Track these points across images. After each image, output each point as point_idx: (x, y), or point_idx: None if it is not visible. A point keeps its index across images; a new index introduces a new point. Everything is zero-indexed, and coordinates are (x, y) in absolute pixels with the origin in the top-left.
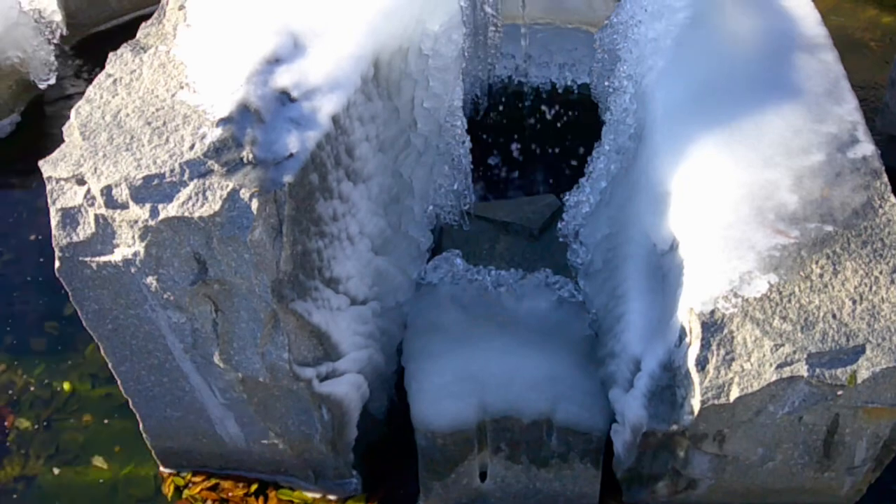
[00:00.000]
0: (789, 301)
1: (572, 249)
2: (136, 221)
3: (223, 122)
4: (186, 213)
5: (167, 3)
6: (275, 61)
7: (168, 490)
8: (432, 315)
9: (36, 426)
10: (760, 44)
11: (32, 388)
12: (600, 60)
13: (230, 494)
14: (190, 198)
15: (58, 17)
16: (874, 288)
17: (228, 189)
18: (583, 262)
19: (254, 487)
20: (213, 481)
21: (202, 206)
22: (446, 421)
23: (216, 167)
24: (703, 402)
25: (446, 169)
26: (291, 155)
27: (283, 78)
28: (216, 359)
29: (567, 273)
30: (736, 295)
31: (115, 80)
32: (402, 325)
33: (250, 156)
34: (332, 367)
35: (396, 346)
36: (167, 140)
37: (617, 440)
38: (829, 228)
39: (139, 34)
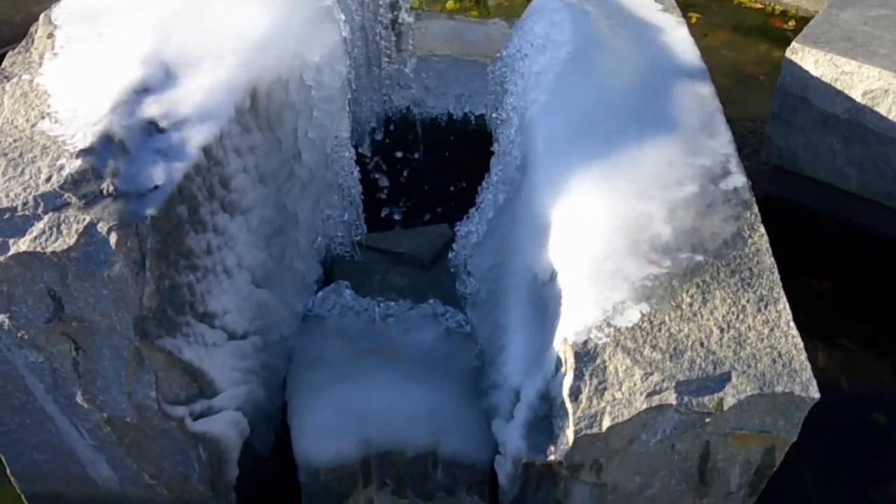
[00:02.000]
0: (660, 330)
1: (461, 280)
2: None
3: (83, 153)
4: (39, 248)
5: (35, 31)
6: (143, 91)
7: None
8: (317, 348)
9: None
10: (639, 78)
11: None
12: (492, 93)
13: None
14: (43, 232)
15: None
16: (741, 316)
17: (85, 223)
18: (470, 293)
19: None
20: None
21: (56, 240)
22: (328, 457)
23: (73, 200)
24: (576, 432)
25: (335, 199)
26: (156, 187)
27: (151, 108)
28: (79, 399)
29: (458, 304)
30: (609, 325)
31: None
32: (287, 358)
33: (111, 188)
34: (208, 404)
35: (281, 381)
36: (22, 172)
37: (500, 472)
38: (700, 258)
39: (5, 62)
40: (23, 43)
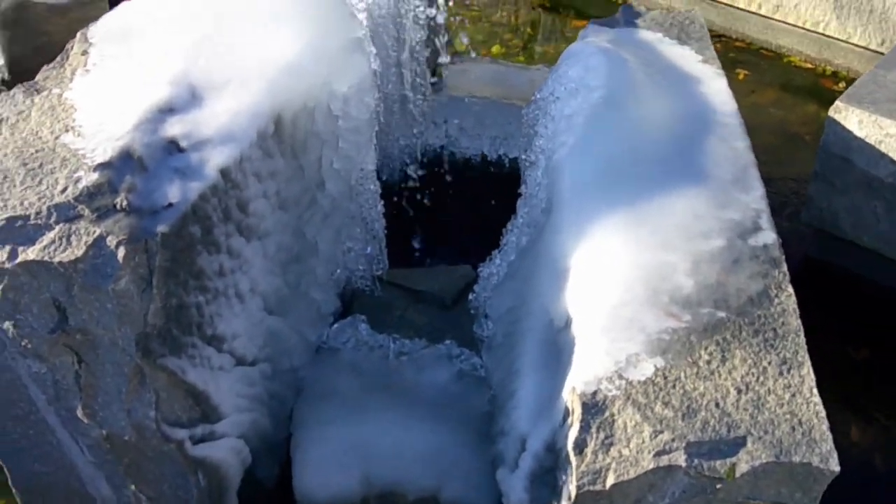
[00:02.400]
0: (674, 387)
1: (478, 322)
2: None
3: (101, 167)
4: (47, 258)
5: (71, 48)
6: (168, 111)
7: None
8: (328, 381)
9: None
10: (672, 128)
11: None
12: (525, 135)
13: None
14: (53, 242)
15: (0, 61)
16: (761, 378)
17: (95, 235)
18: (487, 336)
19: None
20: None
21: (65, 251)
22: (328, 493)
23: (86, 212)
24: (578, 488)
25: (358, 232)
26: (170, 205)
27: (174, 128)
28: (80, 413)
29: (475, 346)
30: (620, 377)
31: (1, 121)
32: (296, 389)
33: (124, 202)
34: (210, 429)
35: (288, 411)
36: (40, 182)
37: None
38: (722, 315)
39: (38, 76)
40: (58, 59)
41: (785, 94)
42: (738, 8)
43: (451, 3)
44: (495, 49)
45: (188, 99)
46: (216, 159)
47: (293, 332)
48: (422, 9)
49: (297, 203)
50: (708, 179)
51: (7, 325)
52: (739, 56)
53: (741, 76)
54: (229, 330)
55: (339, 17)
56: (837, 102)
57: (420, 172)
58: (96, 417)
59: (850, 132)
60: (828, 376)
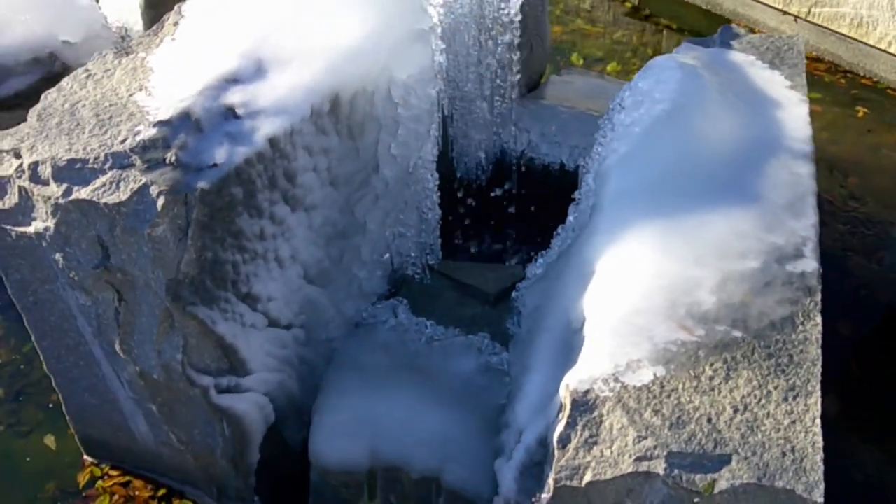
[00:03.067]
0: (668, 396)
1: (511, 318)
2: (49, 198)
3: (161, 124)
4: (95, 198)
5: (167, 18)
6: (233, 80)
7: (83, 478)
8: (358, 355)
9: (7, 396)
10: (733, 147)
11: (16, 359)
12: (593, 143)
13: (137, 494)
14: (104, 185)
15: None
16: (763, 401)
17: (141, 183)
18: (515, 331)
19: (162, 492)
20: (127, 478)
21: (112, 194)
22: (338, 459)
23: (138, 162)
24: (556, 481)
25: (411, 219)
26: (215, 165)
27: (235, 96)
28: (117, 347)
29: (509, 342)
30: (617, 380)
31: (89, 76)
32: (329, 359)
33: (173, 158)
34: (236, 381)
35: (318, 380)
36: (105, 132)
37: None
38: (738, 334)
39: (133, 41)
40: (155, 27)
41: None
42: (867, 44)
43: (577, 20)
44: (611, 66)
45: (253, 72)
46: (266, 128)
47: (331, 304)
48: (505, 11)
49: (349, 182)
50: (759, 201)
51: (58, 256)
52: (863, 93)
53: (861, 114)
54: (265, 291)
55: (407, 8)
56: None
57: (492, 173)
58: (132, 353)
59: None
60: (881, 429)
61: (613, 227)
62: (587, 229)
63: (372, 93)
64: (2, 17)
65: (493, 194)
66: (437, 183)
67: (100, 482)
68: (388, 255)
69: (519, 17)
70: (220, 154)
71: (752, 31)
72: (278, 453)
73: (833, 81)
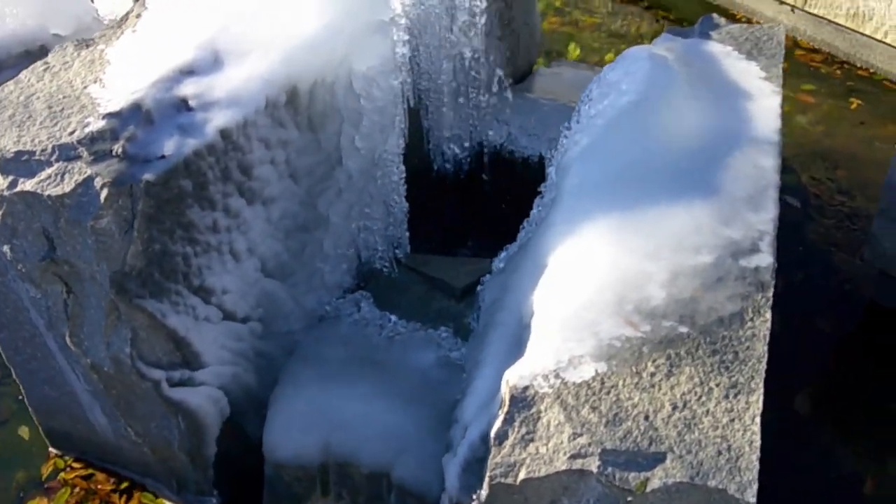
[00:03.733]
0: (608, 393)
1: (472, 312)
2: None
3: (110, 116)
4: (39, 190)
5: (132, 10)
6: (188, 72)
7: (46, 469)
8: (318, 348)
9: None
10: (697, 139)
11: None
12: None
13: (99, 487)
14: (49, 177)
15: None
16: (703, 398)
17: (85, 175)
18: (473, 326)
19: (124, 485)
20: (90, 471)
21: (56, 186)
22: (290, 452)
23: (84, 154)
24: (491, 479)
25: (378, 212)
26: (163, 157)
27: (189, 88)
28: (67, 340)
29: None
30: (557, 376)
31: (47, 68)
32: (289, 352)
33: (120, 149)
34: (189, 375)
35: (278, 373)
36: (56, 124)
37: None
38: (684, 330)
39: (96, 33)
40: (120, 18)
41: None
42: (864, 35)
43: (575, 10)
44: (608, 57)
45: (210, 63)
46: (218, 120)
47: (290, 297)
48: (476, 2)
49: (310, 174)
50: (719, 194)
51: (5, 248)
52: (858, 84)
53: (854, 105)
54: (219, 284)
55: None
56: None
57: (470, 166)
58: (82, 346)
59: None
60: (865, 426)
61: (571, 220)
62: (545, 222)
63: (332, 84)
64: None
65: (470, 187)
66: (404, 176)
67: (62, 474)
68: (352, 248)
69: (484, 6)
70: (169, 146)
71: (749, 21)
72: (238, 446)
73: (829, 73)
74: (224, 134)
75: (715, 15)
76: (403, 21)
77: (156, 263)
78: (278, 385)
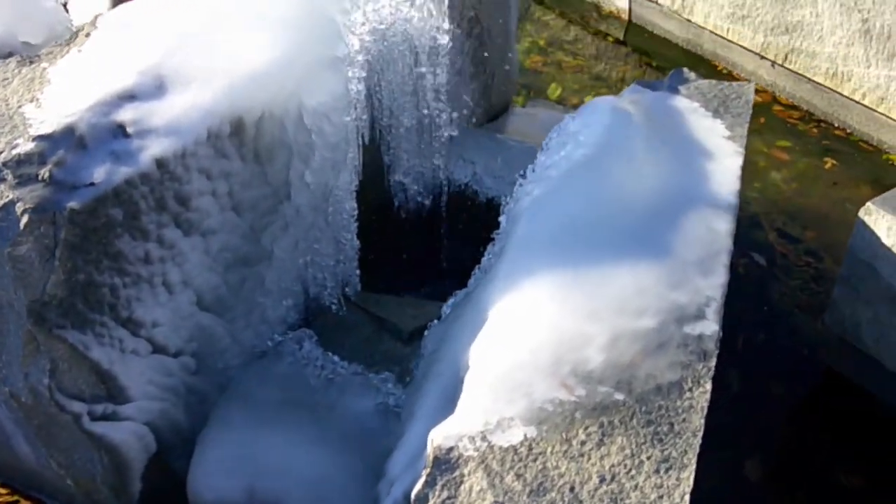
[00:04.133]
0: (535, 460)
1: (415, 360)
2: None
3: (41, 138)
4: None
5: (82, 29)
6: (129, 97)
7: None
8: (252, 386)
9: None
10: (652, 197)
11: None
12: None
13: None
14: None
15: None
16: (632, 472)
17: (6, 199)
18: (414, 374)
19: None
20: (16, 497)
21: None
22: (213, 497)
23: (9, 177)
24: None
25: (327, 249)
26: (92, 184)
27: (128, 113)
28: None
29: None
30: (484, 438)
31: None
32: (223, 389)
33: (47, 174)
34: (113, 409)
35: (209, 409)
36: None
37: None
38: (620, 397)
39: (44, 49)
40: (69, 37)
41: (870, 192)
42: (842, 95)
43: (559, 52)
44: (588, 99)
45: (153, 89)
46: (155, 149)
47: (227, 333)
48: (441, 41)
49: (255, 207)
50: (668, 256)
51: None
52: (834, 145)
53: (828, 165)
54: (149, 317)
55: (323, 33)
56: (869, 204)
57: (433, 205)
58: (0, 374)
59: (877, 238)
60: (814, 500)
61: (514, 273)
62: (490, 273)
63: (281, 118)
64: None
65: (431, 226)
66: (356, 213)
67: None
68: (298, 284)
69: (448, 46)
70: (100, 173)
71: (730, 73)
72: (166, 483)
73: (806, 130)
74: (160, 163)
75: (685, 69)
76: (360, 58)
77: (79, 293)
78: (207, 425)
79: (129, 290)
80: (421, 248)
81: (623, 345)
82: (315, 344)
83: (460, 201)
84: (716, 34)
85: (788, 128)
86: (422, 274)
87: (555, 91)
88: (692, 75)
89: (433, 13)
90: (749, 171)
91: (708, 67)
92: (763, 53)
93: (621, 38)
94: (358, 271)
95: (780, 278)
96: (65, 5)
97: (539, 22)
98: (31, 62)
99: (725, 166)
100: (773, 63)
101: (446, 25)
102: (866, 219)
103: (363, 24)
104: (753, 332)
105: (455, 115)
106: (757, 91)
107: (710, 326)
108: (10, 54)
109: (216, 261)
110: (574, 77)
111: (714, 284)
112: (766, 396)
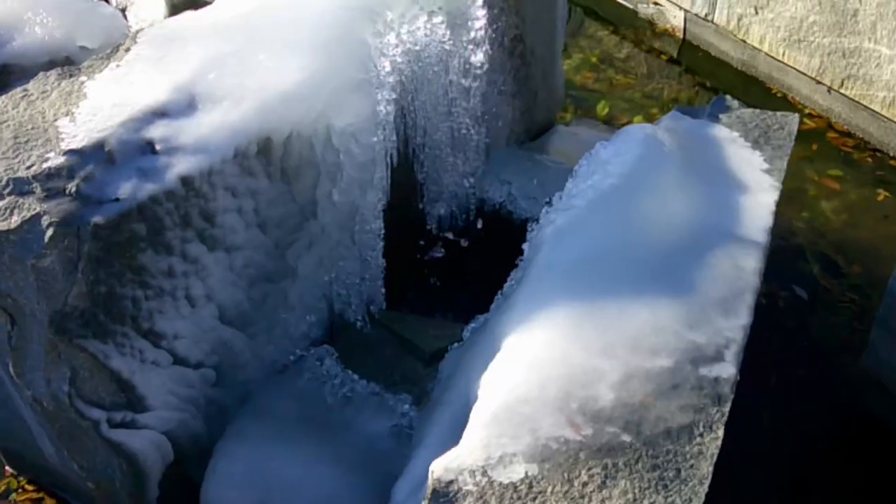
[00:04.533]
0: (534, 499)
1: (432, 383)
2: None
3: (71, 153)
4: None
5: (123, 43)
6: (160, 114)
7: (0, 488)
8: (271, 401)
9: None
10: (678, 231)
11: None
12: None
13: None
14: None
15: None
16: None
17: (34, 212)
18: (430, 398)
19: None
20: (41, 495)
21: (3, 220)
22: None
23: (38, 190)
24: None
25: (352, 267)
26: (117, 199)
27: (158, 130)
28: (11, 371)
29: None
30: (485, 473)
31: (25, 96)
32: (243, 402)
33: (74, 189)
34: (132, 417)
35: (228, 421)
36: (17, 155)
37: None
38: (627, 438)
39: (85, 62)
40: (109, 51)
41: None
42: None
43: (610, 69)
44: (636, 119)
45: (184, 107)
46: (181, 166)
47: (248, 347)
48: (476, 61)
49: (281, 225)
50: (690, 294)
51: None
52: (889, 175)
53: (881, 196)
54: (171, 329)
55: (353, 56)
56: None
57: (467, 225)
58: (24, 378)
59: None
60: None
61: (531, 303)
62: (507, 302)
63: (309, 137)
64: (22, 19)
65: (463, 246)
66: (383, 232)
67: (14, 495)
68: (323, 300)
69: (485, 67)
70: (126, 189)
71: (784, 97)
72: (182, 490)
73: (860, 159)
74: (185, 181)
75: (728, 97)
76: (391, 79)
77: (101, 305)
78: (223, 438)
79: (152, 303)
80: (452, 267)
81: (635, 384)
82: (336, 361)
83: (494, 222)
84: (771, 56)
85: (842, 156)
86: (452, 294)
87: (603, 109)
88: (735, 103)
89: (469, 35)
90: (797, 199)
91: (762, 90)
92: (819, 78)
93: (675, 56)
94: (383, 289)
95: (821, 314)
96: (123, 11)
97: (593, 38)
98: (72, 75)
99: (759, 201)
100: (829, 88)
101: (483, 46)
102: None
103: (396, 45)
104: (789, 369)
105: (492, 134)
106: (811, 116)
107: (728, 369)
108: (68, 58)
109: (240, 276)
110: (624, 95)
111: (735, 325)
112: (798, 435)
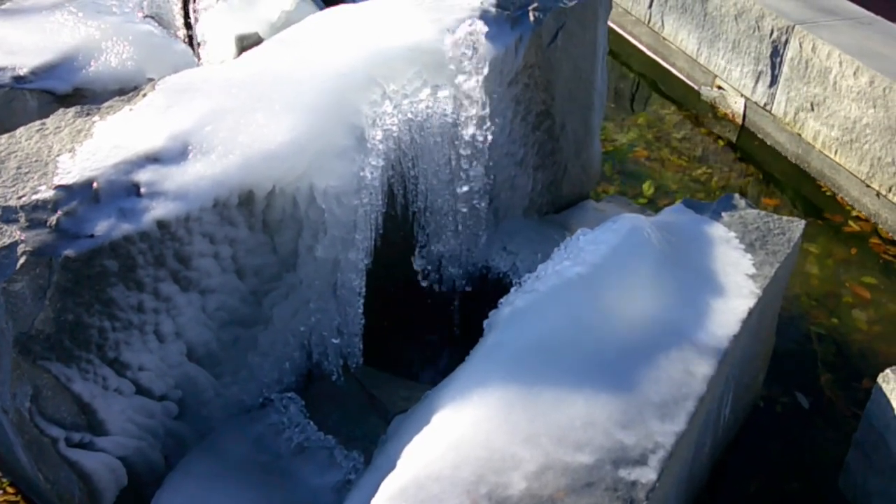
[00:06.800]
0: None
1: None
2: None
3: (60, 188)
4: None
5: (143, 88)
6: (153, 159)
7: None
8: (227, 440)
9: None
10: (636, 329)
11: None
12: None
13: None
14: None
15: None
16: None
17: (13, 240)
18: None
19: None
20: (18, 499)
21: None
22: None
23: (22, 219)
24: None
25: (333, 321)
26: (92, 236)
27: (146, 174)
28: None
29: None
30: None
31: (40, 129)
32: (203, 437)
33: (54, 222)
34: (90, 438)
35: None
36: (15, 185)
37: None
38: None
39: (107, 103)
40: (131, 94)
41: None
42: None
43: (665, 148)
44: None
45: (175, 155)
46: (159, 210)
47: (211, 386)
48: (475, 133)
49: (258, 273)
50: (631, 393)
51: None
52: None
53: None
54: (136, 360)
55: (342, 122)
56: (888, 371)
57: (466, 291)
58: None
59: (892, 408)
60: None
61: (470, 380)
62: (450, 375)
63: (293, 195)
64: (100, 47)
65: (454, 309)
66: (363, 291)
67: None
68: (297, 348)
69: (488, 140)
70: (103, 227)
71: (833, 196)
72: None
73: None
74: (161, 224)
75: (736, 195)
76: (381, 147)
77: (67, 331)
78: (172, 471)
79: (119, 334)
80: (443, 330)
81: (549, 476)
82: (301, 409)
83: (498, 291)
84: (825, 154)
85: (882, 263)
86: (435, 355)
87: (649, 189)
88: (742, 202)
89: (473, 111)
90: (827, 303)
91: (813, 187)
92: (868, 182)
93: (733, 141)
94: (361, 346)
95: (818, 425)
96: (198, 47)
97: (654, 114)
98: (88, 114)
99: (731, 307)
100: (878, 193)
101: (484, 125)
102: (884, 386)
103: (391, 115)
104: (771, 479)
105: (503, 204)
106: (857, 219)
107: (648, 474)
108: (135, 88)
109: (211, 318)
110: (674, 176)
111: (668, 431)
112: None
